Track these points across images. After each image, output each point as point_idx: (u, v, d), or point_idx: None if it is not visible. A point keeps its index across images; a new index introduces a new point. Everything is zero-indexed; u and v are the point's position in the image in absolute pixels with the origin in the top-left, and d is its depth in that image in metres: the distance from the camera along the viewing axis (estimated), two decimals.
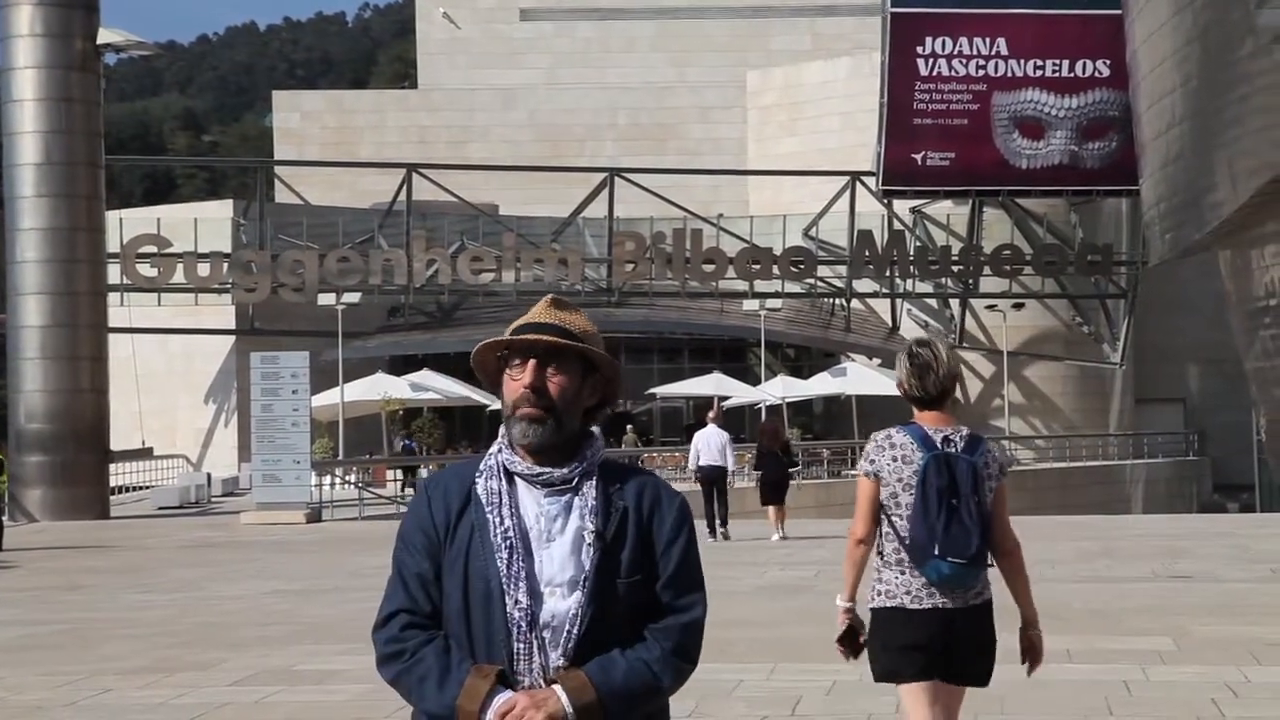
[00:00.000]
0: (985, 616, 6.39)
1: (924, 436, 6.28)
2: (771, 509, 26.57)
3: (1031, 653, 6.58)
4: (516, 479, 3.72)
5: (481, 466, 3.75)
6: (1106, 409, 61.49)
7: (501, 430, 3.78)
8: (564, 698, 3.54)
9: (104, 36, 39.38)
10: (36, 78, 38.39)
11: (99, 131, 39.68)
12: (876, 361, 57.15)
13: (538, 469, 3.70)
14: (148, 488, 46.00)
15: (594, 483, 3.71)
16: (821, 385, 52.03)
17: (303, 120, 72.11)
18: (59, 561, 25.81)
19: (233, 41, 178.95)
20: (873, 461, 6.33)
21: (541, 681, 3.59)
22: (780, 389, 51.52)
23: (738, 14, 72.74)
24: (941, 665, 6.29)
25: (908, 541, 6.22)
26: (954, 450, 6.26)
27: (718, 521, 26.45)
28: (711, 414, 28.67)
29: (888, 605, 6.29)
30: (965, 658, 6.33)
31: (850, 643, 6.39)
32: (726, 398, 50.50)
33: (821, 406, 56.83)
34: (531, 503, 3.70)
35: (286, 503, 33.63)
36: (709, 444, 26.68)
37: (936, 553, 6.15)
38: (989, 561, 6.33)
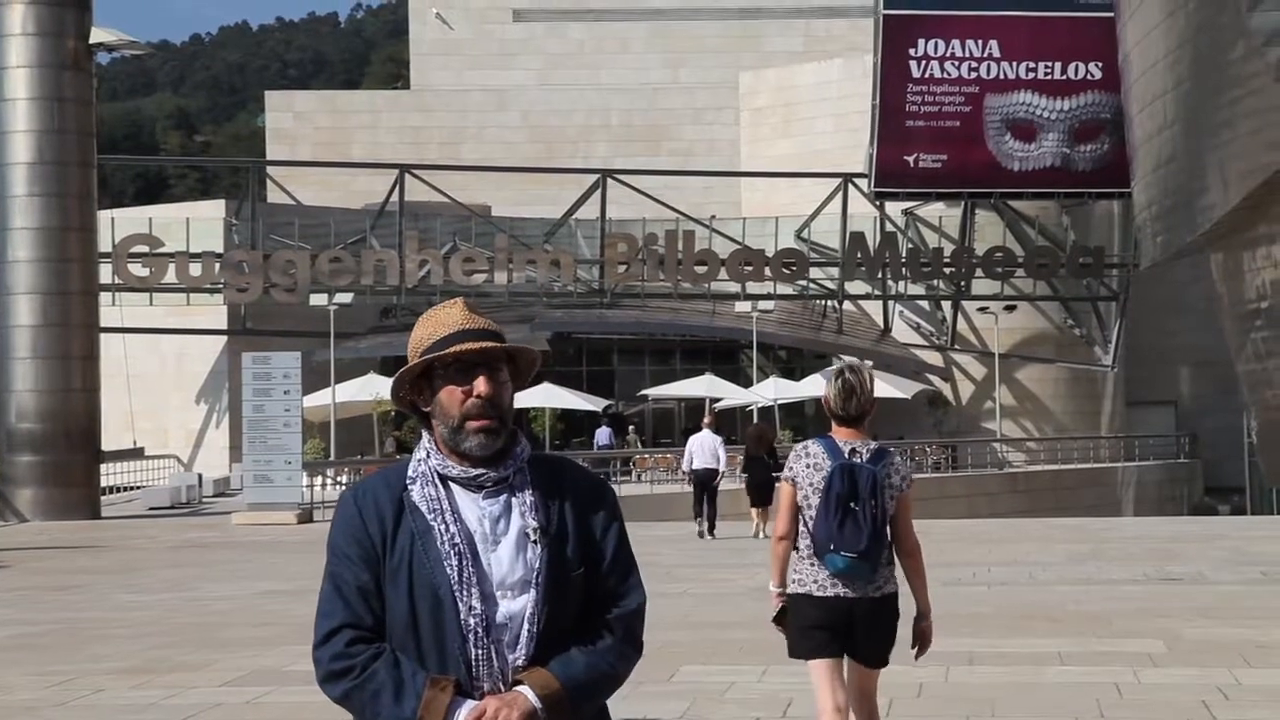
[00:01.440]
0: (886, 607, 7.26)
1: (835, 448, 7.27)
2: (755, 510, 26.97)
3: (921, 640, 7.47)
4: (451, 483, 3.67)
5: (411, 473, 3.69)
6: (1098, 411, 61.56)
7: (425, 435, 3.72)
8: (531, 695, 3.52)
9: (96, 36, 39.33)
10: (29, 77, 38.33)
11: (91, 131, 39.62)
12: (868, 363, 57.08)
13: (474, 471, 3.66)
14: (139, 488, 45.94)
15: (528, 479, 3.68)
16: (813, 387, 51.97)
17: (295, 120, 72.07)
18: (50, 562, 25.77)
19: (225, 41, 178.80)
20: (791, 469, 7.35)
21: (501, 685, 3.56)
22: (772, 391, 51.56)
23: (730, 15, 72.75)
24: (842, 646, 7.25)
25: (813, 536, 7.19)
26: (859, 461, 7.22)
27: (705, 523, 27.21)
28: (706, 419, 29.58)
29: (799, 592, 7.29)
30: (864, 641, 7.25)
31: (785, 620, 7.39)
32: (718, 399, 50.52)
33: (813, 408, 56.79)
34: (471, 506, 3.65)
35: (278, 503, 33.60)
36: (703, 447, 27.66)
37: (833, 548, 7.10)
38: (889, 559, 7.25)
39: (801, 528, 7.29)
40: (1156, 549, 23.91)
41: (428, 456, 3.70)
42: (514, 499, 3.66)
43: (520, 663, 3.58)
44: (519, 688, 3.54)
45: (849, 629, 7.21)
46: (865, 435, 7.40)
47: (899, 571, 7.35)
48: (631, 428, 55.71)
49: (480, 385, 3.64)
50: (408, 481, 3.68)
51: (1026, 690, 11.47)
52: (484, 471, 3.66)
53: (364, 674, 3.57)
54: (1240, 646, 13.41)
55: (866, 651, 7.29)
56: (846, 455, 7.24)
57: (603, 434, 52.64)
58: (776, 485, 29.34)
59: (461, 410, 3.64)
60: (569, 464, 3.80)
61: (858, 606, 7.19)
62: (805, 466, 7.30)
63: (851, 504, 7.11)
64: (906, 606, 7.40)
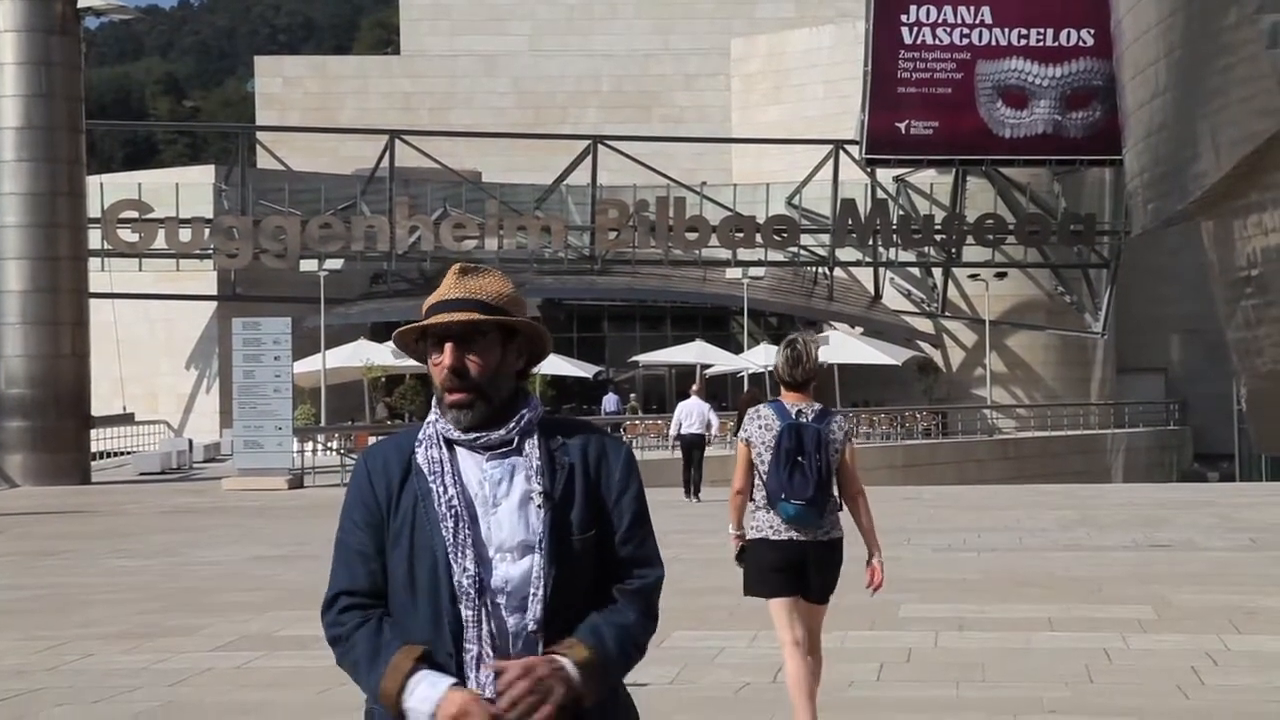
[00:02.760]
0: (833, 550, 8.25)
1: (783, 410, 8.20)
2: None
3: (874, 577, 8.35)
4: (456, 446, 3.65)
5: (420, 436, 3.67)
6: (1088, 378, 61.62)
7: (435, 399, 3.71)
8: (570, 666, 3.48)
9: (84, 0, 39.16)
10: (16, 41, 38.19)
11: (79, 96, 39.51)
12: (859, 330, 57.21)
13: (474, 434, 3.63)
14: (129, 453, 45.95)
15: (535, 441, 3.64)
16: None
17: (285, 86, 71.83)
18: (40, 527, 25.77)
19: (214, 6, 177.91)
20: (745, 430, 8.30)
21: (490, 650, 3.52)
22: (763, 357, 51.45)
23: None
24: (796, 585, 8.19)
25: (766, 488, 8.13)
26: (805, 421, 8.15)
27: (692, 486, 28.13)
28: (695, 386, 30.26)
29: (757, 537, 8.22)
30: (814, 580, 8.21)
31: (744, 559, 8.34)
32: (709, 366, 50.50)
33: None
34: (474, 468, 3.62)
35: (268, 469, 33.62)
36: (690, 413, 28.45)
37: (784, 497, 8.06)
38: (834, 507, 8.23)
39: (757, 481, 8.22)
40: (1146, 515, 23.96)
41: (436, 419, 3.69)
42: (520, 460, 3.63)
43: (531, 628, 3.54)
44: (557, 658, 3.49)
45: (802, 569, 8.16)
46: (810, 399, 8.30)
47: (845, 520, 8.27)
48: (632, 395, 55.73)
49: (445, 356, 3.61)
50: (416, 444, 3.67)
51: (1016, 656, 11.50)
52: (484, 434, 3.63)
53: (348, 643, 3.58)
54: (1229, 612, 13.45)
55: (816, 589, 8.22)
56: (794, 416, 8.17)
57: (610, 400, 52.80)
58: None
59: (439, 382, 3.64)
60: (584, 425, 3.75)
61: (809, 549, 8.13)
62: (758, 428, 8.21)
63: (799, 458, 8.06)
64: (854, 553, 8.18)
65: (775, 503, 8.11)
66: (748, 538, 8.28)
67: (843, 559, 8.29)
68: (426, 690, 3.44)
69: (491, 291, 3.63)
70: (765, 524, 8.19)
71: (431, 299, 3.66)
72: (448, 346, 3.60)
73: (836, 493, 8.27)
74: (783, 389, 8.33)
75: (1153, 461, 58.60)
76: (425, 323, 3.63)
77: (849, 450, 8.30)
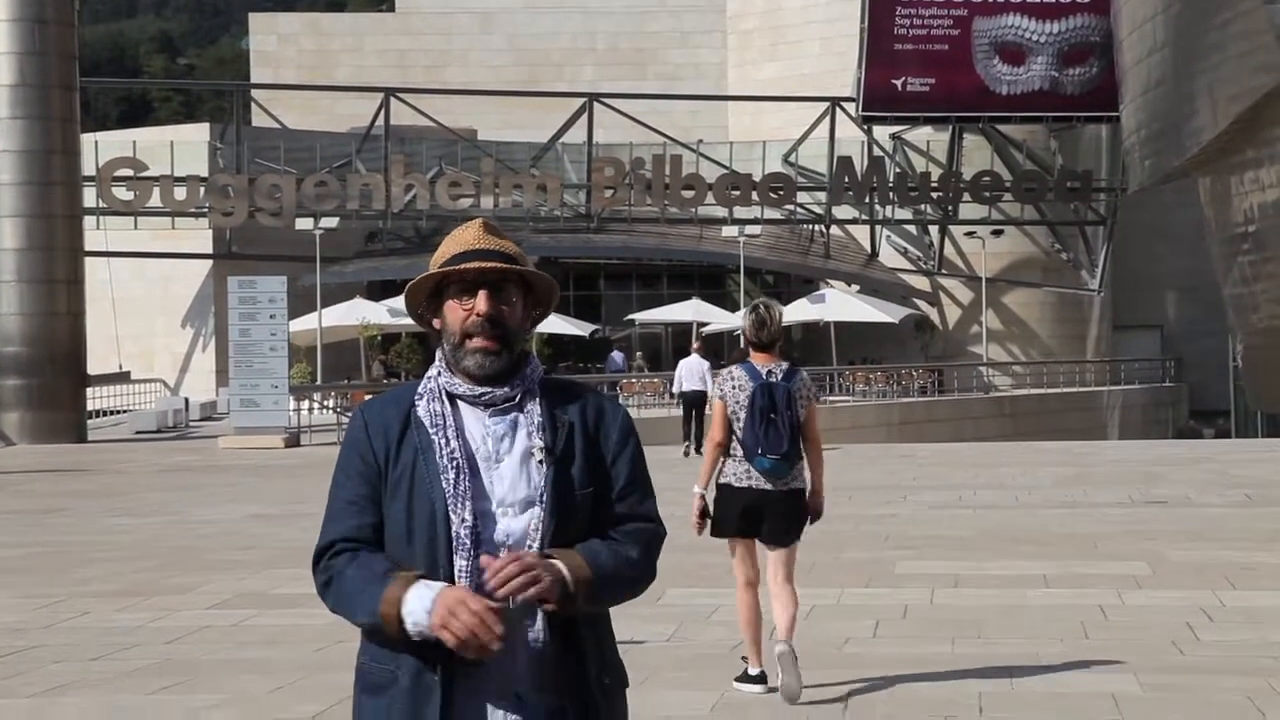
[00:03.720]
0: (795, 499, 8.98)
1: (754, 370, 8.97)
2: None
3: (813, 510, 9.09)
4: (459, 401, 3.68)
5: (421, 390, 3.70)
6: (1084, 335, 61.61)
7: (438, 354, 3.74)
8: (562, 566, 3.51)
9: None
10: None
11: (73, 53, 39.36)
12: (855, 288, 57.16)
13: (480, 390, 3.66)
14: (125, 412, 45.96)
15: (537, 400, 3.69)
16: (800, 312, 52.02)
17: (279, 43, 71.52)
18: (36, 485, 25.79)
19: None
20: (720, 389, 9.06)
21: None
22: None
23: None
24: (754, 529, 8.97)
25: (743, 443, 8.88)
26: (775, 380, 8.90)
27: (693, 443, 28.41)
28: (695, 344, 31.17)
29: (723, 482, 9.01)
30: (776, 526, 8.95)
31: (703, 518, 9.04)
32: (705, 324, 50.48)
33: (800, 333, 56.82)
34: (476, 424, 3.66)
35: (264, 427, 33.62)
36: (691, 371, 29.02)
37: (760, 451, 8.81)
38: (800, 457, 8.94)
39: (733, 436, 8.96)
40: (1141, 472, 24.00)
41: (438, 374, 3.71)
42: (521, 417, 3.67)
43: None
44: (550, 557, 3.53)
45: (760, 515, 8.91)
46: (778, 359, 9.05)
47: (806, 472, 9.03)
48: (639, 354, 55.67)
49: (480, 303, 3.64)
50: (416, 398, 3.69)
51: (1012, 612, 11.53)
52: (490, 390, 3.67)
53: (339, 579, 3.61)
54: (1224, 568, 13.48)
55: (771, 535, 8.97)
56: (764, 376, 8.91)
57: (616, 358, 52.75)
58: None
59: (463, 327, 3.66)
60: (583, 387, 3.80)
61: (768, 497, 8.89)
62: (731, 387, 8.98)
63: (771, 415, 8.80)
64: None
65: (751, 457, 8.85)
66: (718, 483, 9.03)
67: (803, 507, 9.01)
68: (422, 591, 3.48)
69: (514, 249, 3.72)
70: (732, 472, 8.96)
71: (455, 248, 3.70)
72: (482, 293, 3.65)
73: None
74: (752, 350, 9.11)
75: (1149, 418, 58.65)
76: (468, 266, 3.66)
77: (812, 406, 9.09)
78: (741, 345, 9.98)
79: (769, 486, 8.88)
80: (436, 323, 3.74)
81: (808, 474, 9.06)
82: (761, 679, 8.99)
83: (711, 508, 9.08)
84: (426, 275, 3.72)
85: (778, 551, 9.02)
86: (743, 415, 8.86)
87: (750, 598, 9.03)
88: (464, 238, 3.72)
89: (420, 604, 3.47)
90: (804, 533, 9.21)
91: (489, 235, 3.72)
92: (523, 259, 3.71)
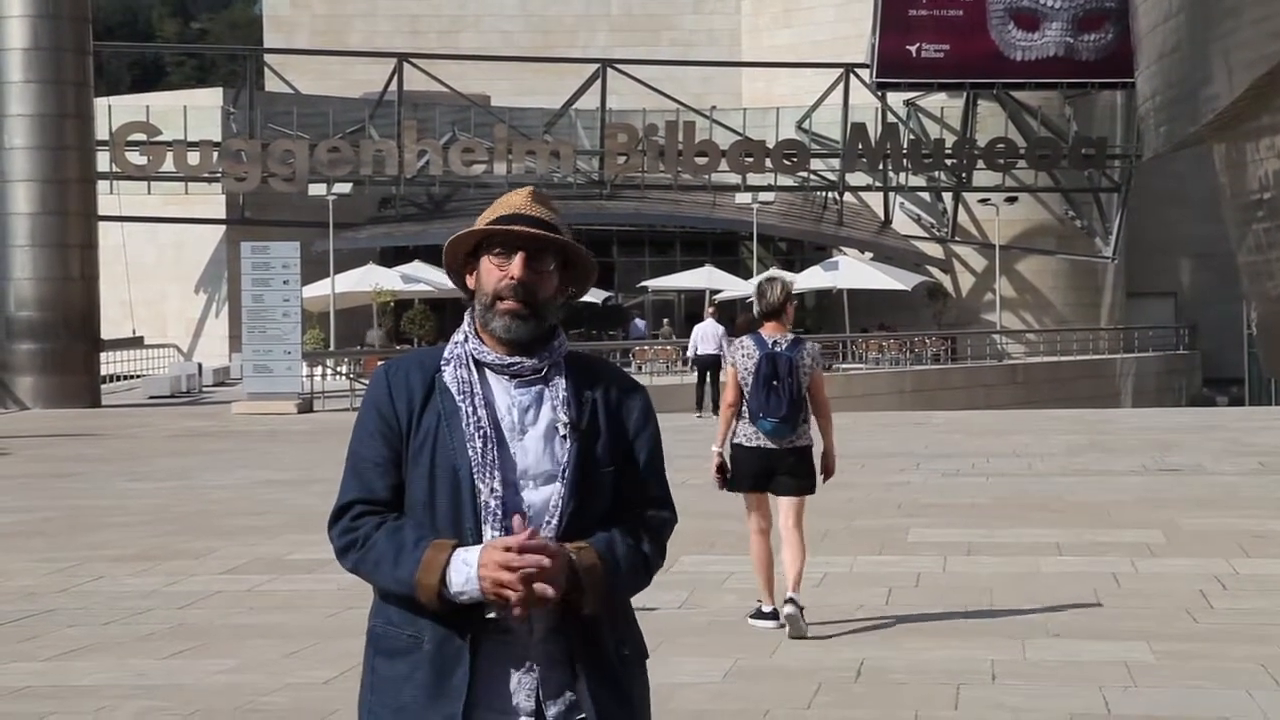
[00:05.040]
0: (801, 454, 9.90)
1: (761, 340, 9.88)
2: None
3: (826, 469, 10.06)
4: (486, 369, 3.67)
5: (447, 355, 3.68)
6: (1098, 303, 61.48)
7: (466, 318, 3.72)
8: (572, 554, 3.52)
9: None
10: None
11: (87, 17, 39.29)
12: (868, 255, 57.06)
13: (509, 359, 3.65)
14: (138, 376, 46.01)
15: (563, 375, 3.68)
16: (813, 279, 51.96)
17: (293, 8, 71.24)
18: (50, 449, 25.84)
19: None
20: (732, 357, 10.07)
21: None
22: None
23: None
24: (765, 484, 9.91)
25: (749, 407, 9.84)
26: (780, 350, 9.80)
27: (708, 401, 29.45)
28: (710, 309, 32.21)
29: (735, 442, 9.96)
30: (783, 480, 9.88)
31: (722, 473, 9.97)
32: (718, 291, 50.44)
33: (813, 300, 56.74)
34: (502, 393, 3.65)
35: (277, 393, 33.63)
36: (706, 335, 30.14)
37: (763, 415, 9.77)
38: (804, 420, 9.86)
39: (744, 399, 9.88)
40: (1155, 440, 23.96)
41: (465, 340, 3.70)
42: (547, 390, 3.66)
43: None
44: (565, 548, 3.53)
45: (770, 471, 9.85)
46: (785, 329, 9.95)
47: (814, 431, 9.92)
48: (665, 321, 55.59)
49: (515, 266, 3.63)
50: (441, 363, 3.68)
51: (1024, 580, 11.52)
52: (519, 360, 3.65)
53: (367, 544, 3.58)
54: (1238, 536, 13.46)
55: (781, 487, 9.88)
56: (770, 346, 9.81)
57: (639, 324, 52.69)
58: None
59: (495, 289, 3.64)
60: (607, 364, 3.79)
61: (774, 454, 9.83)
62: (741, 355, 9.90)
63: (774, 382, 9.71)
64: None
65: (756, 419, 9.80)
66: (732, 442, 9.97)
67: (811, 461, 9.92)
68: (465, 555, 3.49)
69: (557, 220, 3.71)
70: (742, 434, 9.92)
71: (502, 210, 3.70)
72: (519, 256, 3.64)
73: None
74: (762, 321, 10.03)
75: (1162, 386, 58.55)
76: (509, 229, 3.65)
77: (818, 374, 9.96)
78: (753, 313, 10.19)
79: (774, 446, 9.82)
80: (470, 281, 3.72)
81: (815, 433, 9.92)
82: (774, 615, 9.88)
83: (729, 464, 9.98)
84: (469, 231, 3.70)
85: (788, 499, 9.91)
86: (749, 380, 9.80)
87: (762, 543, 9.96)
88: (512, 201, 3.72)
89: (466, 566, 3.48)
90: (817, 490, 10.13)
91: (536, 203, 3.71)
92: (565, 231, 3.69)
